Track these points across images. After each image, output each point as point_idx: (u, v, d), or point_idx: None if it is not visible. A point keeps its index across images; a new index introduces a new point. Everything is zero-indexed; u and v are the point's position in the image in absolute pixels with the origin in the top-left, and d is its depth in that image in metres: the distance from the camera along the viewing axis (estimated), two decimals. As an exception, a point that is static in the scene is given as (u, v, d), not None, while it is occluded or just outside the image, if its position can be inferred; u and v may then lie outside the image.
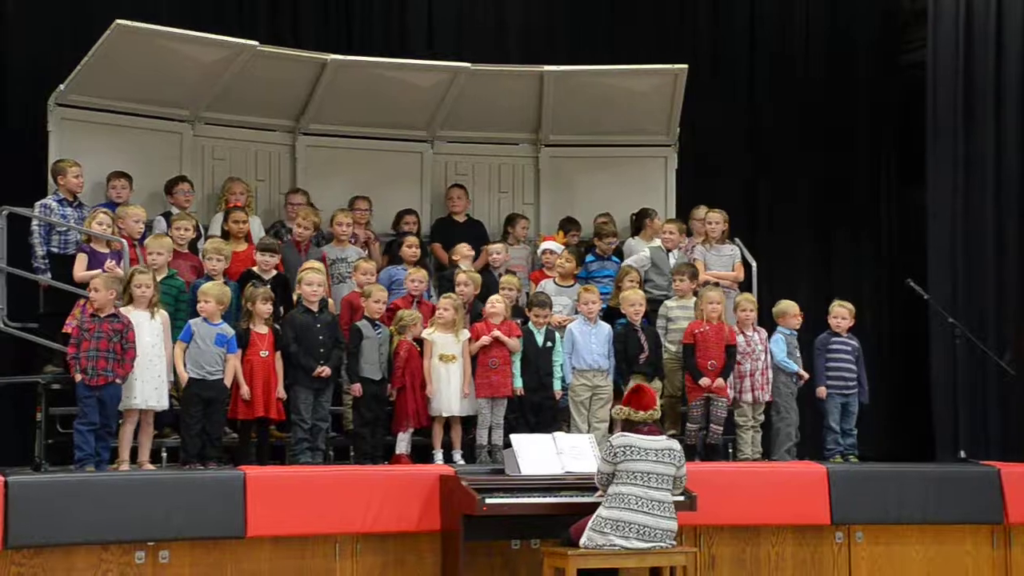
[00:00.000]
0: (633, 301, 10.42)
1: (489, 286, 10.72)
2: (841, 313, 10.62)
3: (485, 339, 9.96)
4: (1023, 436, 11.26)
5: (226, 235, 10.74)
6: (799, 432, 10.48)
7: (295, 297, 9.96)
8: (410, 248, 11.06)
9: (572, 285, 10.93)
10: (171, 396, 9.38)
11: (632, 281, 10.85)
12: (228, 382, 9.31)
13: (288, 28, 12.74)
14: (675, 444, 8.23)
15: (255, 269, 10.17)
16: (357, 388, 9.75)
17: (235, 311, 9.80)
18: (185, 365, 9.18)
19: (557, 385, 10.18)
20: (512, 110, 12.30)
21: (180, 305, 9.76)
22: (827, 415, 10.48)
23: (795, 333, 10.54)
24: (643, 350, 10.25)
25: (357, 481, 8.69)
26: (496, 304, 10.06)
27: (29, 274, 10.05)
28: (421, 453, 9.99)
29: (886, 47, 14.08)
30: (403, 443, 9.78)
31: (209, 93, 11.42)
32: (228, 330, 9.38)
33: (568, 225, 12.02)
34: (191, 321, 9.30)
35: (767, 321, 10.78)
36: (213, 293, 9.37)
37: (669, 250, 11.40)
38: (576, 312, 10.58)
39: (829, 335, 10.62)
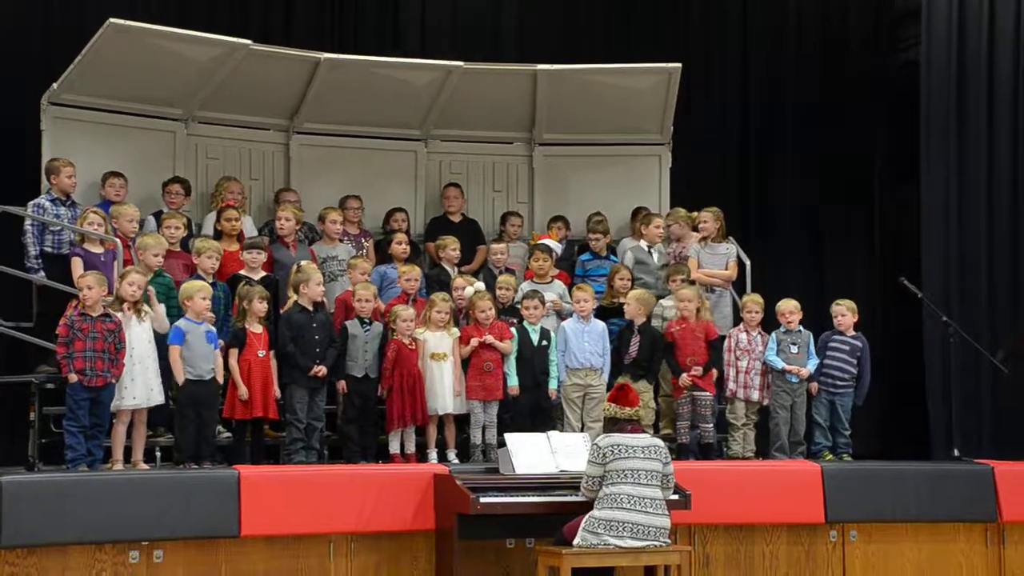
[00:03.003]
0: (629, 299, 10.45)
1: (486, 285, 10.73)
2: (840, 311, 10.62)
3: (475, 341, 9.96)
4: (1017, 434, 11.26)
5: (218, 234, 10.72)
6: (793, 431, 10.47)
7: (291, 298, 9.95)
8: (400, 245, 11.06)
9: (550, 283, 10.94)
10: (168, 396, 9.38)
11: (623, 279, 10.87)
12: (220, 378, 9.32)
13: (281, 27, 12.73)
14: (659, 441, 8.28)
15: (243, 272, 10.15)
16: (342, 385, 9.77)
17: (223, 311, 9.80)
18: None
19: (553, 384, 10.18)
20: (506, 109, 12.30)
21: (171, 303, 9.74)
22: (814, 411, 10.50)
23: (796, 331, 10.50)
24: (627, 349, 10.26)
25: (351, 480, 8.71)
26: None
27: (23, 273, 10.03)
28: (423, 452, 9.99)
29: (879, 46, 14.08)
30: (395, 443, 9.77)
31: (202, 92, 11.41)
32: (211, 327, 9.39)
33: (554, 222, 12.01)
34: (179, 324, 9.26)
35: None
36: (202, 291, 9.36)
37: (651, 246, 11.41)
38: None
39: (832, 333, 10.62)
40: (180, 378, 9.15)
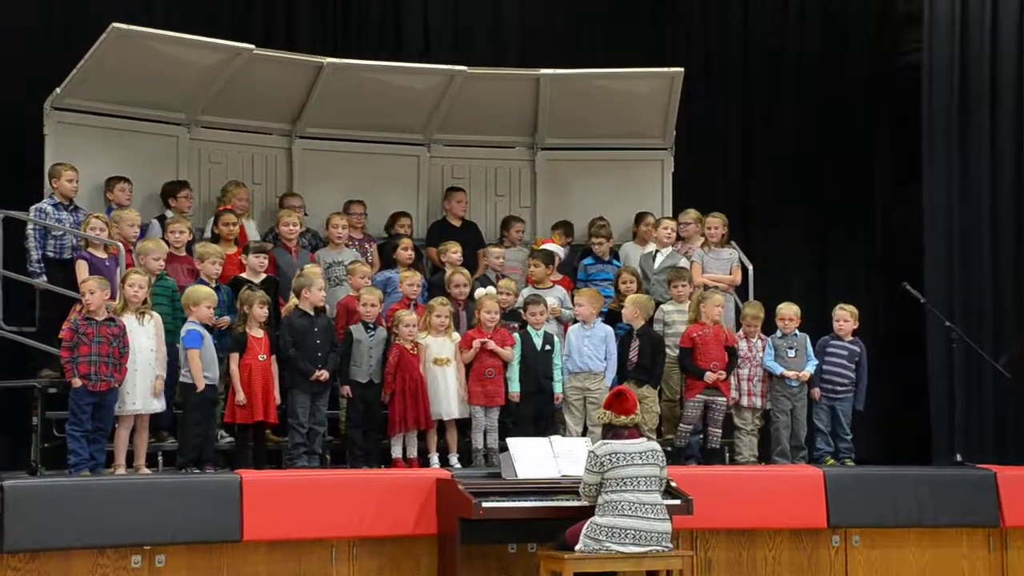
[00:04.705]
0: (626, 303, 10.44)
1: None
2: (842, 316, 10.62)
3: (477, 343, 9.94)
4: (1019, 439, 11.26)
5: (215, 238, 10.73)
6: (794, 435, 10.47)
7: (291, 301, 9.94)
8: (405, 251, 11.05)
9: (551, 288, 10.94)
10: (171, 400, 9.38)
11: (626, 283, 10.87)
12: (221, 383, 9.33)
13: (284, 31, 12.74)
14: (656, 445, 8.29)
15: (244, 275, 10.16)
16: (347, 390, 9.77)
17: (228, 314, 9.80)
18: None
19: (558, 388, 10.18)
20: (508, 113, 12.30)
21: (176, 305, 9.75)
22: (815, 417, 10.49)
23: (792, 335, 10.50)
24: (628, 354, 10.26)
25: (353, 485, 8.72)
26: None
27: (25, 278, 10.04)
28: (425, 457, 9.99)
29: (882, 49, 14.09)
30: (397, 447, 9.77)
31: (205, 96, 11.41)
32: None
33: (556, 229, 12.00)
34: (194, 328, 9.25)
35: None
36: (208, 299, 9.36)
37: (658, 250, 11.42)
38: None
39: (830, 338, 10.62)
40: (200, 383, 9.12)
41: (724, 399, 10.30)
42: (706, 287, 10.84)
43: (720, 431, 10.33)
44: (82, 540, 7.93)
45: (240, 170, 11.76)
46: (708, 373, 10.18)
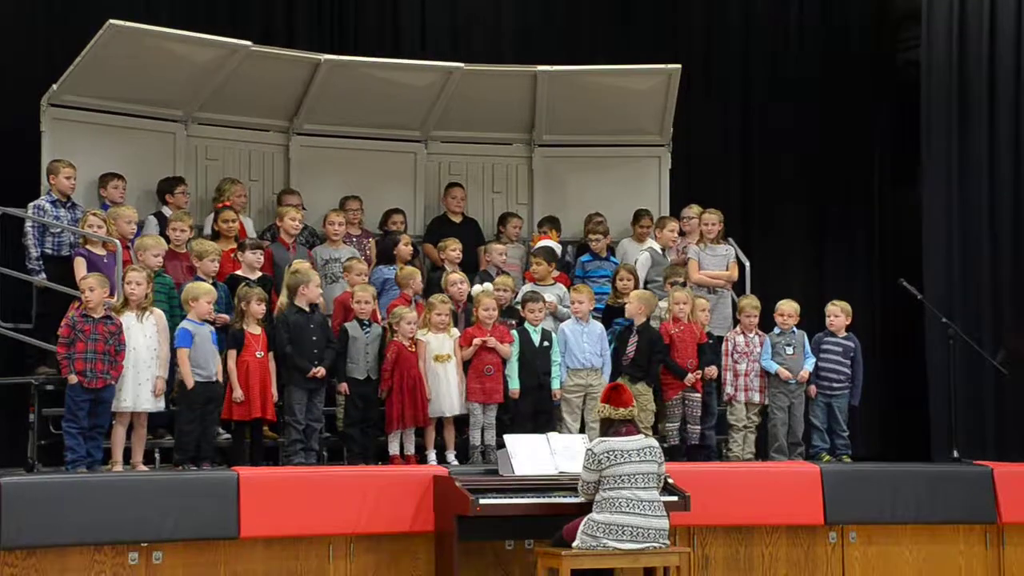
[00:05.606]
0: (631, 297, 10.46)
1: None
2: (834, 312, 10.62)
3: (477, 341, 9.94)
4: (1017, 436, 11.26)
5: (215, 235, 10.73)
6: (791, 432, 10.47)
7: (282, 298, 9.93)
8: (407, 247, 11.05)
9: (552, 285, 10.94)
10: (168, 398, 9.38)
11: (623, 280, 10.86)
12: (222, 379, 9.33)
13: (281, 28, 12.73)
14: (653, 442, 8.29)
15: (240, 272, 10.15)
16: (344, 387, 9.77)
17: (225, 311, 9.80)
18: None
19: (555, 384, 10.17)
20: (506, 110, 12.30)
21: (173, 302, 9.74)
22: (811, 414, 10.50)
23: (790, 332, 10.50)
24: (624, 351, 10.26)
25: (351, 482, 8.71)
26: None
27: (24, 275, 10.04)
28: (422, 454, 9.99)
29: (880, 47, 14.08)
30: (394, 444, 9.77)
31: (202, 93, 11.41)
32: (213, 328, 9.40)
33: (543, 225, 11.99)
34: (186, 325, 9.24)
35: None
36: (208, 295, 9.36)
37: (665, 249, 11.44)
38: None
39: (824, 335, 10.63)
40: (190, 381, 9.11)
41: (697, 395, 10.32)
42: (673, 283, 10.81)
43: (698, 427, 10.34)
44: (79, 537, 7.93)
45: (237, 167, 11.77)
46: (689, 375, 10.21)
